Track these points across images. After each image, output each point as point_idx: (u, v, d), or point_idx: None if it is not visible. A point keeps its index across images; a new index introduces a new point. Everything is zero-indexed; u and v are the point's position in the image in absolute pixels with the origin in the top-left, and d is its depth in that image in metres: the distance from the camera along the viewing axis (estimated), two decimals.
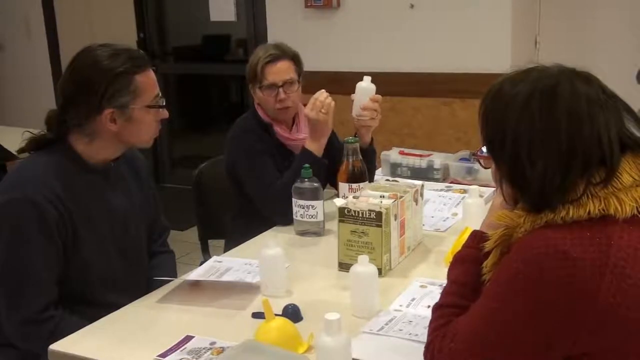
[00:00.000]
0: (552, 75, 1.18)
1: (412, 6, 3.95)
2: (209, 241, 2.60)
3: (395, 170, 2.56)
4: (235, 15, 4.66)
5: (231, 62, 6.10)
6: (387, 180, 2.01)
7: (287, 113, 2.28)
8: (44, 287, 1.58)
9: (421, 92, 4.00)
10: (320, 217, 2.05)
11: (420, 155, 2.54)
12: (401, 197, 1.84)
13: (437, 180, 2.50)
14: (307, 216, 2.04)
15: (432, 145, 3.75)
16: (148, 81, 1.67)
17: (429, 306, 1.49)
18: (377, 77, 4.01)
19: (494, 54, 3.78)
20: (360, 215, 1.75)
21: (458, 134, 3.97)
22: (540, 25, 4.09)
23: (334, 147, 2.28)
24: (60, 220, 1.59)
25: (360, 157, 2.07)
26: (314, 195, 2.03)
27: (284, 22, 4.32)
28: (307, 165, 2.04)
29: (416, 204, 1.93)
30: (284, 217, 2.11)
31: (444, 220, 2.12)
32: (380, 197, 1.83)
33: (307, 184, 2.03)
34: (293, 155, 2.27)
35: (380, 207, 1.75)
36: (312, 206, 2.03)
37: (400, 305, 1.57)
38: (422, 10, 3.93)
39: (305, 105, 2.22)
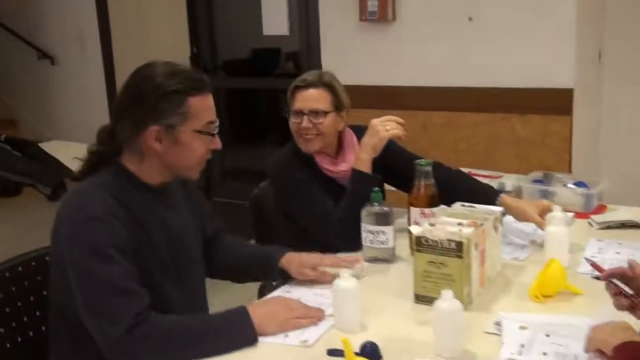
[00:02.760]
0: None
1: (470, 19, 3.80)
2: None
3: None
4: (288, 29, 4.57)
5: (281, 76, 6.06)
6: (463, 205, 1.87)
7: (311, 145, 2.13)
8: (133, 297, 1.47)
9: (479, 107, 3.85)
10: (391, 244, 1.93)
11: (490, 177, 2.41)
12: (481, 224, 1.71)
13: None
14: (377, 242, 1.92)
15: (490, 163, 3.62)
16: (202, 106, 1.57)
17: (544, 354, 1.37)
18: (433, 92, 3.99)
19: (557, 68, 3.61)
20: (439, 245, 1.63)
21: (517, 151, 3.80)
22: (604, 40, 3.91)
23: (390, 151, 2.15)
24: (128, 236, 1.51)
25: (433, 180, 1.94)
26: (384, 220, 1.92)
27: (338, 36, 4.21)
28: (377, 189, 1.93)
29: (495, 232, 1.80)
30: (351, 245, 1.99)
31: (522, 248, 1.98)
32: (458, 224, 1.71)
33: (377, 208, 1.92)
34: (339, 186, 2.14)
35: (461, 237, 1.62)
36: (383, 232, 1.91)
37: (512, 353, 1.40)
38: (480, 23, 3.78)
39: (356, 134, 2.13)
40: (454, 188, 2.06)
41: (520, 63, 3.71)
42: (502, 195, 2.06)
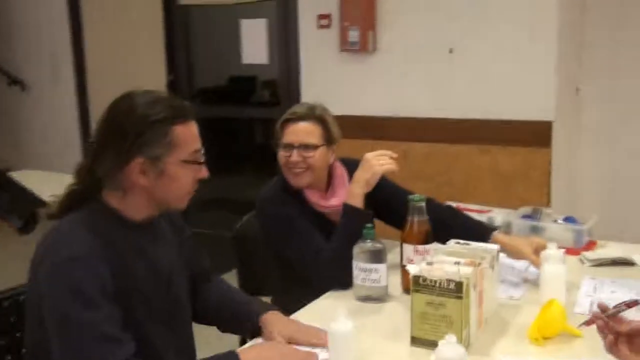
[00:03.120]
0: None
1: (451, 51, 3.80)
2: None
3: None
4: (267, 58, 4.53)
5: (258, 105, 6.03)
6: (458, 242, 1.82)
7: (300, 179, 2.08)
8: (118, 343, 1.38)
9: (459, 139, 3.84)
10: (383, 282, 1.87)
11: (479, 211, 2.37)
12: (479, 263, 1.66)
13: None
14: (370, 280, 1.86)
15: (469, 195, 3.59)
16: (187, 134, 1.50)
17: None
18: (413, 123, 3.97)
19: (537, 101, 3.62)
20: (438, 285, 1.57)
21: (496, 184, 3.79)
22: (582, 74, 3.95)
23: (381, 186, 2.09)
24: (112, 278, 1.41)
25: (426, 216, 1.89)
26: (377, 257, 1.86)
27: (318, 65, 4.18)
28: (370, 225, 1.87)
29: (492, 271, 1.75)
30: (341, 283, 1.94)
31: (515, 286, 1.94)
32: (456, 263, 1.66)
33: (369, 245, 1.86)
34: (329, 222, 2.08)
35: (460, 277, 1.56)
36: (376, 270, 1.86)
37: None
38: (461, 55, 3.78)
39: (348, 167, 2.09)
40: (447, 224, 2.03)
41: (500, 95, 3.71)
42: (495, 233, 2.02)
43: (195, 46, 5.15)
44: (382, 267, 1.86)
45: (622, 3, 3.82)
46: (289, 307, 1.89)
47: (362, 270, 1.86)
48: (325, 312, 1.82)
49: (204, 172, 1.54)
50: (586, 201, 3.89)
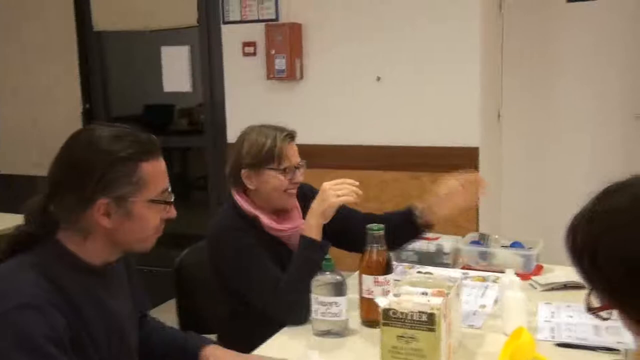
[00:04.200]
0: None
1: (378, 79, 3.81)
2: None
3: (400, 254, 2.34)
4: (190, 86, 4.40)
5: (175, 134, 5.85)
6: (420, 272, 1.77)
7: (293, 199, 2.05)
8: None
9: (389, 165, 3.83)
10: (344, 316, 1.79)
11: (428, 239, 2.33)
12: (447, 293, 1.61)
13: (447, 265, 2.29)
14: (329, 314, 1.78)
15: None
16: (155, 172, 1.38)
17: None
18: (343, 151, 3.94)
19: (464, 127, 3.67)
20: (409, 317, 1.51)
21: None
22: (503, 99, 4.05)
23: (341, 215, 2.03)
24: (67, 327, 1.27)
25: (385, 245, 1.83)
26: (337, 290, 1.78)
27: (244, 93, 4.09)
28: (328, 257, 1.80)
29: (458, 300, 1.71)
30: (297, 317, 1.85)
31: (474, 315, 1.90)
32: (423, 294, 1.60)
33: (329, 277, 1.78)
34: (285, 246, 2.01)
35: (431, 308, 1.51)
36: (336, 303, 1.77)
37: None
38: (389, 84, 3.80)
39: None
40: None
41: (428, 122, 3.74)
42: (416, 204, 2.09)
43: (113, 73, 4.95)
44: (342, 300, 1.78)
45: (539, 31, 3.96)
46: (237, 345, 1.78)
47: (322, 304, 1.78)
48: (283, 349, 1.73)
49: (172, 212, 1.42)
50: (512, 225, 3.96)
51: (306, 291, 1.79)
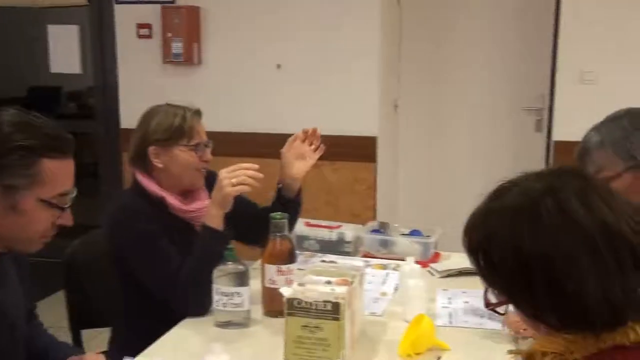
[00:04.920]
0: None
1: (278, 66, 3.80)
2: (82, 331, 2.17)
3: (301, 243, 2.33)
4: (80, 68, 4.21)
5: (62, 118, 5.60)
6: (324, 261, 1.78)
7: (203, 177, 2.02)
8: None
9: None
10: (246, 306, 1.76)
11: (329, 227, 2.35)
12: (351, 282, 1.61)
13: (348, 254, 2.30)
14: (231, 305, 1.74)
15: (305, 210, 3.55)
16: (59, 172, 1.30)
17: None
18: (243, 138, 3.89)
19: (363, 117, 3.74)
20: (314, 307, 1.50)
21: (328, 198, 3.84)
22: (401, 90, 4.13)
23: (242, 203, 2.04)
24: None
25: (289, 235, 1.83)
26: (239, 280, 1.75)
27: (139, 77, 3.97)
28: (230, 246, 1.77)
29: (361, 289, 1.72)
30: (199, 308, 1.81)
31: (375, 302, 1.92)
32: (327, 283, 1.60)
33: (231, 267, 1.75)
34: (192, 228, 1.97)
35: (337, 297, 1.51)
36: (238, 293, 1.74)
37: None
38: (289, 71, 3.80)
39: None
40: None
41: (327, 111, 3.77)
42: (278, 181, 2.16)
43: None
44: (244, 290, 1.75)
45: (436, 23, 4.06)
46: (134, 340, 1.72)
47: (224, 295, 1.74)
48: (183, 342, 1.70)
49: (66, 219, 1.34)
50: (409, 213, 4.06)
51: (208, 282, 1.75)
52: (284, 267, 1.79)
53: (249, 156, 3.82)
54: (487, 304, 1.06)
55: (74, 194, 1.34)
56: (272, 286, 1.77)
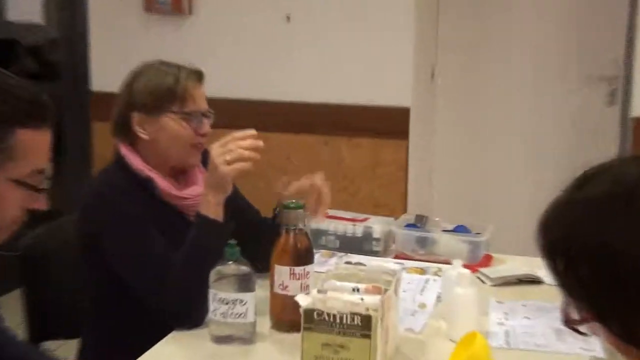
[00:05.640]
0: None
1: (288, 19, 3.74)
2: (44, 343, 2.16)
3: (317, 239, 2.31)
4: (42, 16, 4.18)
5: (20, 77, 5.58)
6: (349, 263, 1.75)
7: (200, 153, 2.01)
8: None
9: (297, 127, 3.81)
10: (251, 317, 1.73)
11: (353, 220, 2.33)
12: (385, 290, 1.58)
13: (376, 253, 2.29)
14: (233, 315, 1.71)
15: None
16: (35, 145, 1.27)
17: None
18: (240, 107, 3.84)
19: (392, 83, 3.68)
20: (339, 320, 1.49)
21: (344, 183, 3.79)
22: (439, 56, 4.07)
23: (237, 201, 2.06)
24: None
25: (306, 228, 1.80)
26: (243, 285, 1.72)
27: (115, 30, 3.92)
28: (232, 241, 1.73)
29: (396, 298, 1.70)
30: (192, 318, 1.80)
31: (412, 316, 1.89)
32: (355, 290, 1.58)
33: (232, 268, 1.72)
34: (186, 219, 1.96)
35: (368, 308, 1.49)
36: (241, 301, 1.71)
37: None
38: (300, 25, 3.74)
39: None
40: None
41: (348, 74, 3.72)
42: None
43: None
44: (249, 297, 1.72)
45: None
46: (110, 354, 1.80)
47: (223, 302, 1.71)
48: None
49: (40, 203, 1.30)
50: (446, 205, 4.01)
51: (203, 286, 1.73)
52: (299, 270, 1.76)
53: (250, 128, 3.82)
54: (567, 321, 1.02)
55: (49, 172, 1.31)
56: (284, 293, 1.76)
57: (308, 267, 1.77)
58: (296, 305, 1.54)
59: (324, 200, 2.00)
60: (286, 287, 1.75)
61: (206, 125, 1.98)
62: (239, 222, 1.91)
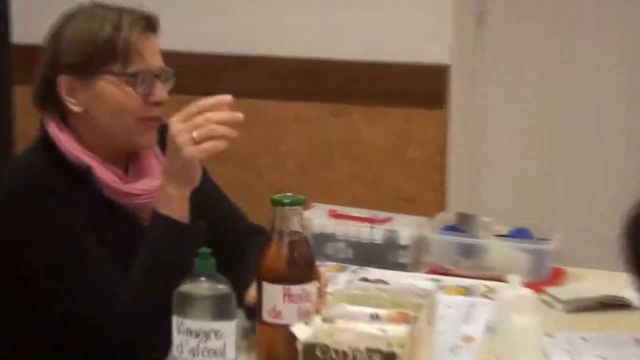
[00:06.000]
0: None
1: None
2: None
3: (323, 246, 2.36)
4: None
5: None
6: (365, 279, 1.79)
7: (154, 135, 2.04)
8: None
9: (296, 92, 3.85)
10: (230, 354, 1.73)
11: (372, 220, 2.35)
12: (415, 318, 1.63)
13: (404, 267, 2.32)
14: (205, 352, 1.72)
15: (311, 188, 3.60)
16: None
17: None
18: (221, 64, 3.85)
19: (424, 31, 3.72)
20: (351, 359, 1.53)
21: (357, 168, 3.81)
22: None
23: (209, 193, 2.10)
24: None
25: (305, 233, 1.82)
26: (219, 310, 1.71)
27: None
28: (205, 249, 1.73)
29: (430, 328, 1.75)
30: (149, 353, 1.83)
31: (452, 353, 1.93)
32: (373, 317, 1.63)
33: (204, 287, 1.71)
34: (137, 222, 2.01)
35: (391, 344, 1.53)
36: (216, 332, 1.71)
37: None
38: None
39: None
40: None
41: (363, 19, 3.76)
42: None
43: None
44: (227, 327, 1.72)
45: None
46: None
47: (191, 335, 1.71)
48: None
49: None
50: (500, 199, 4.02)
51: (164, 311, 1.73)
52: (296, 289, 1.77)
53: (235, 95, 3.81)
54: None
55: None
56: (276, 321, 1.77)
57: (309, 286, 1.78)
58: (292, 338, 1.58)
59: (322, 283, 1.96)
60: (278, 313, 1.76)
61: (161, 90, 2.00)
62: (213, 223, 1.93)
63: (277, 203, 1.80)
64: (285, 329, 1.66)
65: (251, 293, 1.88)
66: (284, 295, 1.77)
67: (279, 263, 1.79)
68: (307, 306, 1.77)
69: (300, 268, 1.79)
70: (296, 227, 1.81)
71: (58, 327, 1.90)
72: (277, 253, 1.79)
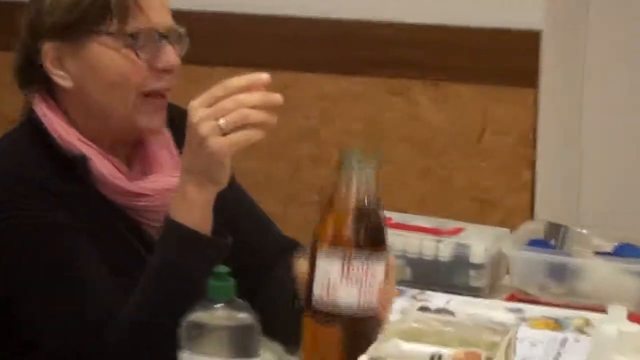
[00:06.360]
0: None
1: None
2: None
3: None
4: None
5: None
6: (425, 308, 1.81)
7: (162, 115, 2.08)
8: None
9: (343, 63, 3.92)
10: None
11: (437, 232, 2.37)
12: (489, 359, 1.64)
13: (476, 292, 2.36)
14: None
15: None
16: None
17: None
18: (247, 27, 3.88)
19: None
20: None
21: (420, 161, 3.84)
22: None
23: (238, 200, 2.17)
24: None
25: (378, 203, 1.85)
26: (239, 343, 1.76)
27: None
28: (222, 268, 1.77)
29: None
30: None
31: None
32: (433, 358, 1.66)
33: (221, 315, 1.75)
34: (142, 229, 2.07)
35: None
36: None
37: None
38: None
39: None
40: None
41: None
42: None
43: None
44: None
45: None
46: None
47: None
48: None
49: None
50: (601, 202, 4.03)
51: (170, 342, 1.76)
52: (358, 264, 1.78)
53: (261, 67, 3.84)
54: None
55: None
56: (329, 303, 1.78)
57: (375, 265, 1.79)
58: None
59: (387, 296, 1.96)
60: (334, 293, 1.78)
61: (170, 54, 2.03)
62: (235, 236, 1.97)
63: (347, 161, 1.82)
64: (339, 320, 1.71)
65: (302, 267, 1.92)
66: (343, 271, 1.78)
67: (342, 230, 1.80)
68: (369, 290, 1.77)
69: (368, 240, 1.80)
70: (368, 192, 1.83)
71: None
72: (340, 219, 1.81)
